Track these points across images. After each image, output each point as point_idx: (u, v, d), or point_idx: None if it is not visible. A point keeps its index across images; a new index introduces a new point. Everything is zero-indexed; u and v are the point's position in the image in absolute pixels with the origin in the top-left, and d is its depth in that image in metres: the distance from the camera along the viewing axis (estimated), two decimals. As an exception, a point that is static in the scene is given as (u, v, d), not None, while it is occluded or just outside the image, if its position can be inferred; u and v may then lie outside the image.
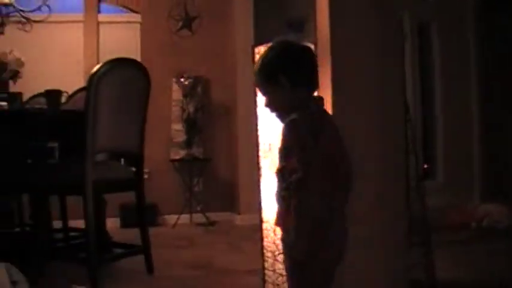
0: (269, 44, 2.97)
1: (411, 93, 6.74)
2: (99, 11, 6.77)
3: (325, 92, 3.06)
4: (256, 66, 2.15)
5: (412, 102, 6.48)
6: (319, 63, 3.11)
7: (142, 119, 3.92)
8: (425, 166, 7.41)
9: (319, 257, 1.93)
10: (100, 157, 3.69)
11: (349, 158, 2.06)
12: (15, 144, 3.83)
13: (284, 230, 2.02)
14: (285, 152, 1.96)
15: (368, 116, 2.74)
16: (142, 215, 4.02)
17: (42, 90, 4.24)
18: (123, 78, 3.70)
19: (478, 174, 6.99)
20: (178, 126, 6.63)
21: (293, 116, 1.98)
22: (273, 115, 2.15)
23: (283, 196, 1.95)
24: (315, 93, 2.17)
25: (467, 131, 7.03)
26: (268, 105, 2.13)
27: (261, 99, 2.28)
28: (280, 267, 3.08)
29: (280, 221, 2.01)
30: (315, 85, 2.15)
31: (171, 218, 6.51)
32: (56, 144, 4.68)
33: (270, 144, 3.10)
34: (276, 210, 2.05)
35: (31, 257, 3.79)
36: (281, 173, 1.98)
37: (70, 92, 4.48)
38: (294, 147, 1.92)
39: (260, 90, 2.19)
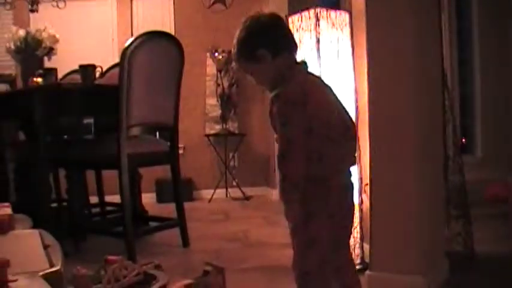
0: (303, 13, 2.95)
1: (449, 63, 6.63)
2: (132, -13, 6.78)
3: (360, 61, 3.01)
4: (233, 52, 2.11)
5: (449, 73, 6.37)
6: (354, 31, 3.08)
7: (176, 92, 3.90)
8: (464, 140, 7.33)
9: (318, 215, 1.96)
10: (135, 131, 3.70)
11: (346, 111, 2.07)
12: (51, 120, 3.85)
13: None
14: (272, 125, 2.01)
15: (404, 84, 2.68)
16: (177, 188, 4.03)
17: (76, 67, 4.25)
18: (156, 51, 3.68)
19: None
20: (213, 101, 6.63)
21: (276, 90, 2.00)
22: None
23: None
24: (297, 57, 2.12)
25: (506, 104, 6.89)
26: (258, 83, 2.13)
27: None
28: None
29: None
30: (294, 47, 2.10)
31: (207, 193, 6.53)
32: (91, 120, 4.72)
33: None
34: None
35: (67, 231, 3.84)
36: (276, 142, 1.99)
37: (104, 68, 4.48)
38: (276, 122, 1.94)
39: (246, 72, 2.15)
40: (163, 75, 3.78)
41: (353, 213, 2.14)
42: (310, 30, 2.97)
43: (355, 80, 3.13)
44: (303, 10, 3.03)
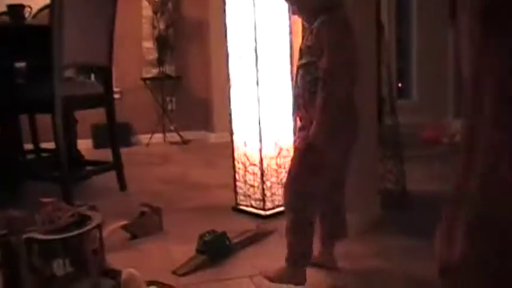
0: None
1: (386, 12, 6.68)
2: None
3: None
4: None
5: (386, 21, 6.42)
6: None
7: (110, 33, 3.81)
8: (400, 84, 7.44)
9: (337, 142, 2.06)
10: (68, 73, 3.61)
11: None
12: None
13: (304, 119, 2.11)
14: (314, 50, 2.00)
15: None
16: (112, 132, 3.98)
17: (4, 8, 4.09)
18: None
19: (452, 92, 7.03)
20: (149, 44, 6.52)
21: (324, 17, 2.00)
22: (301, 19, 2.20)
23: (309, 89, 2.02)
24: None
25: (442, 48, 7.01)
26: (298, 11, 2.12)
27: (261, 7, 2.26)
28: (250, 178, 3.10)
29: (303, 110, 2.09)
30: None
31: (145, 138, 6.49)
32: (23, 64, 4.57)
33: (239, 55, 3.06)
34: (295, 101, 2.14)
35: (1, 178, 3.77)
36: (305, 67, 2.04)
37: (35, 9, 4.34)
38: (325, 47, 1.95)
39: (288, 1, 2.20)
40: (96, 15, 3.68)
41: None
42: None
43: (289, 19, 3.11)
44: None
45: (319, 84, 1.95)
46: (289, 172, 2.11)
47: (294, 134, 3.15)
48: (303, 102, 2.07)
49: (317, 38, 1.99)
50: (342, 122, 2.02)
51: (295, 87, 2.13)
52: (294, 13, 2.17)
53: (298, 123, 2.22)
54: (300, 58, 2.09)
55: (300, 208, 2.06)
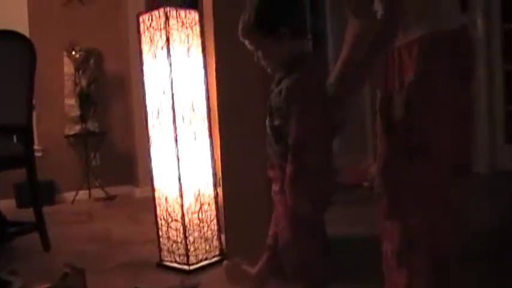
0: (153, 12, 2.98)
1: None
2: (-19, -18, 6.49)
3: (211, 59, 3.10)
4: (248, 18, 1.94)
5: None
6: (204, 30, 3.15)
7: (29, 92, 3.80)
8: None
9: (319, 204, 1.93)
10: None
11: None
12: None
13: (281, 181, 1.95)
14: (283, 112, 1.87)
15: (251, 80, 2.80)
16: (34, 191, 3.93)
17: None
18: (4, 51, 3.58)
19: (370, 136, 7.20)
20: (71, 101, 6.47)
21: (295, 75, 1.87)
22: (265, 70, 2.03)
23: (279, 151, 1.91)
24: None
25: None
26: (263, 60, 1.97)
27: (178, 66, 2.27)
28: (173, 233, 3.12)
29: (278, 171, 1.97)
30: (306, 35, 2.08)
31: (70, 195, 6.39)
32: None
33: (158, 113, 3.11)
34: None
35: None
36: (277, 130, 1.91)
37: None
38: (294, 109, 1.84)
39: (252, 46, 1.97)
40: (12, 76, 3.68)
41: None
42: (161, 29, 3.01)
43: (206, 77, 3.20)
44: (153, 9, 3.07)
45: (289, 153, 1.85)
46: (285, 244, 2.00)
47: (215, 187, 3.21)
48: (278, 163, 1.96)
49: (286, 100, 1.86)
50: (323, 188, 1.92)
51: (268, 146, 2.00)
52: (257, 60, 1.99)
53: (274, 186, 2.05)
54: (270, 116, 1.95)
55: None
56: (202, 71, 3.16)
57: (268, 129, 1.96)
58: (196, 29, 3.15)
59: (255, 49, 1.97)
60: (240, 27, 1.96)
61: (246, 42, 1.98)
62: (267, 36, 1.91)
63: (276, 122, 1.90)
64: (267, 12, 1.92)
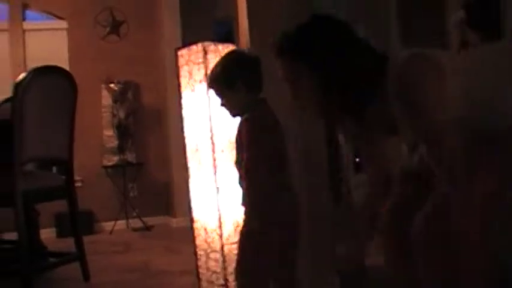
0: (192, 47, 3.05)
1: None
2: (24, 19, 6.68)
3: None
4: (214, 74, 2.45)
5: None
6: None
7: (70, 125, 3.90)
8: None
9: (274, 224, 2.30)
10: (29, 167, 3.67)
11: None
12: None
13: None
14: (239, 145, 2.38)
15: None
16: (75, 222, 4.01)
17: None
18: (48, 86, 3.69)
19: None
20: (109, 132, 6.60)
21: (246, 115, 2.36)
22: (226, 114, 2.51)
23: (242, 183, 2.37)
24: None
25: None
26: (224, 106, 2.45)
27: (216, 100, 2.52)
28: (212, 264, 3.14)
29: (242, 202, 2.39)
30: (261, 89, 2.47)
31: (108, 225, 6.48)
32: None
33: (197, 145, 3.16)
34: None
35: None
36: (237, 163, 2.40)
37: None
38: (246, 142, 2.30)
39: (217, 95, 2.46)
40: (56, 110, 3.78)
41: None
42: (199, 63, 3.07)
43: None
44: (191, 44, 3.13)
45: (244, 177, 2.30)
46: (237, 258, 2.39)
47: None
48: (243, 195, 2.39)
49: (239, 135, 2.37)
50: (275, 207, 2.30)
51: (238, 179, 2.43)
52: (221, 105, 2.46)
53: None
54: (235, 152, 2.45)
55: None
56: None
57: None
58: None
59: (219, 98, 2.44)
60: (208, 79, 2.53)
61: (213, 91, 2.48)
62: (228, 88, 2.39)
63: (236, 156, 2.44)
64: (228, 69, 2.41)
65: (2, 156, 3.60)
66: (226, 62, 2.49)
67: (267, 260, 2.33)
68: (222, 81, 2.42)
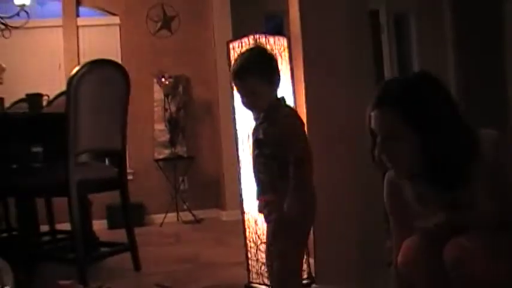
0: (243, 39, 3.06)
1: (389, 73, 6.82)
2: (77, 15, 6.81)
3: (297, 83, 3.14)
4: (249, 64, 2.35)
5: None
6: (293, 55, 3.21)
7: (123, 118, 3.96)
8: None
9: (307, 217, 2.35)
10: (83, 158, 3.74)
11: None
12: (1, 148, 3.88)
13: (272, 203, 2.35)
14: (277, 141, 2.29)
15: (341, 104, 2.83)
16: (127, 213, 4.07)
17: (23, 96, 4.27)
18: (101, 78, 3.74)
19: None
20: (161, 126, 6.68)
21: (286, 110, 2.41)
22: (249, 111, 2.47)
23: (279, 175, 2.29)
24: None
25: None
26: (250, 104, 2.38)
27: (239, 98, 2.45)
28: (262, 256, 3.15)
29: (271, 194, 2.34)
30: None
31: (158, 217, 6.56)
32: (40, 148, 4.72)
33: (248, 137, 3.17)
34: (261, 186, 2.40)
35: (18, 260, 3.83)
36: (269, 157, 2.31)
37: (52, 96, 4.51)
38: (293, 136, 2.28)
39: (245, 90, 2.37)
40: (109, 102, 3.84)
41: None
42: (250, 56, 3.08)
43: (295, 102, 3.24)
44: (242, 37, 3.15)
45: (290, 169, 2.23)
46: (279, 255, 2.34)
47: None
48: (270, 187, 2.33)
49: (282, 130, 2.29)
50: (310, 201, 2.35)
51: (258, 174, 2.39)
52: (243, 104, 2.42)
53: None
54: (258, 148, 2.36)
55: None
56: (291, 96, 3.20)
57: (255, 158, 2.39)
58: (285, 55, 3.20)
59: (248, 94, 2.36)
60: (239, 69, 2.36)
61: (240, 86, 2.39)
62: (263, 81, 2.33)
63: (268, 151, 2.32)
64: (266, 61, 2.41)
65: (59, 148, 3.68)
66: (261, 54, 2.46)
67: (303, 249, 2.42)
68: (259, 73, 2.35)
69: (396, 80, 1.89)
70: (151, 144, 6.71)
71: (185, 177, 6.74)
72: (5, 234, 4.42)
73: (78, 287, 2.34)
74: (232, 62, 2.72)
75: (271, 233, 2.39)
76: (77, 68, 3.64)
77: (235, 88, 2.49)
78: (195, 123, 6.83)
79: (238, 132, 3.27)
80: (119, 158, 4.04)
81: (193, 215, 6.51)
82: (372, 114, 1.76)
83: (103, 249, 4.38)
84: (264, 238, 3.13)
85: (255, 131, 2.41)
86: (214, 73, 6.50)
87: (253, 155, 2.41)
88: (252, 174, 2.49)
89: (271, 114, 2.34)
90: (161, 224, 6.42)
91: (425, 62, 6.94)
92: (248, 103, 2.39)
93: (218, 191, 6.70)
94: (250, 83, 2.33)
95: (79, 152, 3.62)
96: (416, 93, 1.73)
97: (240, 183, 3.28)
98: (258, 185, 2.41)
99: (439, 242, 1.76)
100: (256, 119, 2.43)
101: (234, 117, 3.28)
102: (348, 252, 2.85)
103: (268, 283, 3.15)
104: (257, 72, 2.33)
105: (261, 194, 2.41)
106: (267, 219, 2.43)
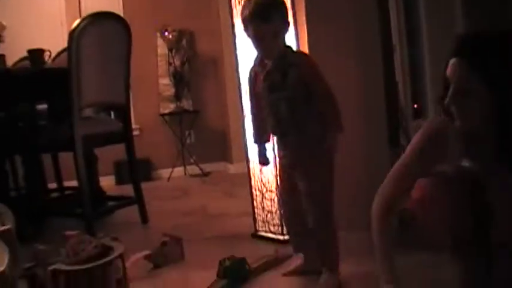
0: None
1: (397, 33, 6.73)
2: (78, -32, 6.72)
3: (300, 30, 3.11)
4: (269, 7, 2.21)
5: (397, 42, 6.47)
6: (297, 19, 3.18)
7: (127, 71, 3.93)
8: (415, 105, 7.44)
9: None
10: (87, 112, 3.74)
11: None
12: (4, 107, 3.87)
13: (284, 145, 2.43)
14: (296, 83, 2.24)
15: (345, 56, 2.82)
16: (133, 166, 4.08)
17: (26, 53, 4.24)
18: (103, 31, 3.71)
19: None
20: (165, 81, 6.66)
21: (298, 53, 2.43)
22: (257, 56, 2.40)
23: (294, 116, 2.27)
24: None
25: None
26: (268, 49, 2.28)
27: (254, 43, 2.32)
28: (268, 204, 3.16)
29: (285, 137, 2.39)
30: None
31: (166, 172, 6.59)
32: (44, 105, 4.72)
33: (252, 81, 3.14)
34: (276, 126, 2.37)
35: (26, 216, 3.86)
36: (287, 98, 2.26)
37: (54, 53, 4.48)
38: (314, 76, 2.25)
39: (267, 32, 2.23)
40: (111, 55, 3.81)
41: None
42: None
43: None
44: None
45: (321, 105, 2.25)
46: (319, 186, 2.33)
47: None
48: (285, 129, 2.33)
49: (303, 70, 2.24)
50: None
51: (272, 116, 2.34)
52: (259, 49, 2.32)
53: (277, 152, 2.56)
54: (275, 91, 2.28)
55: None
56: (295, 43, 3.16)
57: (272, 102, 2.32)
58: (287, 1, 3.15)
59: (266, 36, 2.23)
60: (258, 10, 2.20)
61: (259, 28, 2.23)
62: (283, 26, 2.27)
63: (287, 93, 2.26)
64: (283, 5, 2.31)
65: (63, 104, 3.67)
66: None
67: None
68: (281, 13, 2.25)
69: (481, 32, 1.78)
70: (157, 99, 6.69)
71: (191, 131, 6.74)
72: (13, 193, 4.44)
73: (85, 237, 2.34)
74: (241, 6, 2.57)
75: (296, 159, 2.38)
76: (78, 21, 3.60)
77: (250, 32, 2.29)
78: (199, 77, 6.79)
79: (241, 83, 3.24)
80: (123, 111, 4.03)
81: (201, 169, 6.52)
82: (451, 61, 1.67)
83: (110, 203, 4.41)
84: (269, 186, 3.14)
85: (267, 76, 2.31)
86: (218, 26, 6.43)
87: (269, 99, 2.33)
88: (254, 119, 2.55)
89: (284, 60, 2.27)
90: (168, 179, 6.45)
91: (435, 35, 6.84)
92: (265, 48, 2.28)
93: (225, 144, 6.71)
94: (274, 24, 2.21)
95: (83, 106, 3.61)
96: (498, 48, 1.62)
97: (244, 133, 3.27)
98: (275, 126, 2.37)
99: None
100: (259, 65, 2.39)
101: (237, 69, 3.25)
102: (350, 198, 2.87)
103: (274, 231, 3.17)
104: (280, 12, 2.23)
105: (264, 136, 2.51)
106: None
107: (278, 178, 2.64)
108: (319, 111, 2.26)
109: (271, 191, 3.13)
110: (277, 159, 2.81)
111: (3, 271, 1.38)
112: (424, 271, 2.36)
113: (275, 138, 2.52)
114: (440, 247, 1.82)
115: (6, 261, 1.41)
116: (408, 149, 1.92)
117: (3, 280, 1.42)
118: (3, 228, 1.57)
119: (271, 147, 2.81)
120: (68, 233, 2.39)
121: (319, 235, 2.37)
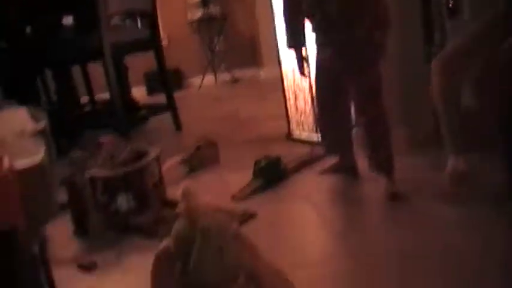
0: None
1: None
2: None
3: None
4: None
5: None
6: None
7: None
8: (451, 5, 7.23)
9: None
10: (114, 20, 3.69)
11: None
12: (30, 21, 3.84)
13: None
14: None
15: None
16: (163, 74, 4.06)
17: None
18: None
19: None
20: (192, -13, 6.52)
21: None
22: None
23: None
24: None
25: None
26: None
27: None
28: (301, 105, 3.13)
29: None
30: None
31: (196, 80, 6.55)
32: (71, 18, 4.66)
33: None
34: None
35: (61, 130, 3.88)
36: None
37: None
38: None
39: None
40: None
41: None
42: None
43: None
44: None
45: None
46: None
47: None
48: (333, 25, 2.24)
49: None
50: None
51: (320, 12, 2.24)
52: None
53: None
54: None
55: None
56: None
57: None
58: None
59: None
60: None
61: None
62: None
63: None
64: None
65: (89, 17, 3.61)
66: None
67: None
68: None
69: None
70: (184, 6, 6.56)
71: (220, 38, 6.64)
72: (46, 108, 4.44)
73: (118, 140, 2.35)
74: None
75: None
76: None
77: None
78: (226, -18, 6.63)
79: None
80: (150, 19, 3.97)
81: (231, 75, 6.47)
82: None
83: (143, 111, 4.41)
84: (302, 87, 3.10)
85: None
86: None
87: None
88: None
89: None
90: (200, 87, 6.42)
91: None
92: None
93: (255, 49, 6.60)
94: None
95: (110, 14, 3.56)
96: None
97: (276, 35, 3.21)
98: (321, 22, 2.30)
99: None
100: None
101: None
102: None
103: (308, 130, 3.15)
104: None
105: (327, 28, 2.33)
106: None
107: (315, 80, 2.54)
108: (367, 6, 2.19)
109: (303, 91, 3.08)
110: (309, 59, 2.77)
111: (41, 162, 1.40)
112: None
113: (316, 41, 2.41)
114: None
115: (43, 154, 1.43)
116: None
117: (41, 172, 1.44)
118: (38, 126, 1.58)
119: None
120: (103, 138, 2.39)
121: (377, 132, 2.29)
